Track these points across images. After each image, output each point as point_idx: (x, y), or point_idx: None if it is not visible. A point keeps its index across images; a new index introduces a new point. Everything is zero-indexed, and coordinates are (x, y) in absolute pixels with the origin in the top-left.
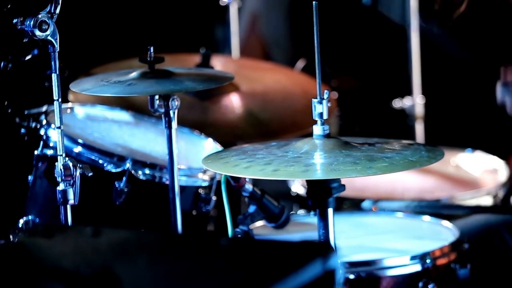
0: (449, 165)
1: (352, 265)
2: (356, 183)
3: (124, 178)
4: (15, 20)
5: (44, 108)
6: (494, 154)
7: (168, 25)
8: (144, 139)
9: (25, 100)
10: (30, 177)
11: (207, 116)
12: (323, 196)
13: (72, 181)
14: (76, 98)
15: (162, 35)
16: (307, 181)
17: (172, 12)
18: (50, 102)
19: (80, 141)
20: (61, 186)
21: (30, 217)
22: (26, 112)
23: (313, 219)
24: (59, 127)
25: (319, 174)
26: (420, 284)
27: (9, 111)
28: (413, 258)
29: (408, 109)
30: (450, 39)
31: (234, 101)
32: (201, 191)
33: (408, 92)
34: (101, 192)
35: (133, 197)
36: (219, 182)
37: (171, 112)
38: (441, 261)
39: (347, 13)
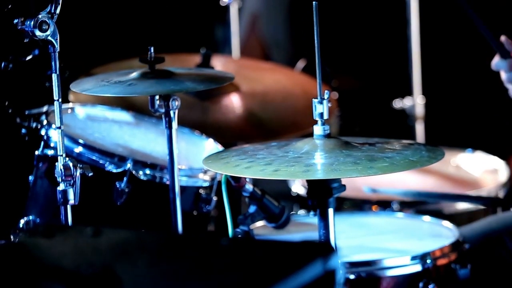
0: (450, 165)
1: (353, 265)
2: (356, 183)
3: (125, 179)
4: (15, 21)
5: (44, 108)
6: (494, 154)
7: (169, 25)
8: (144, 139)
9: (26, 100)
10: (30, 177)
11: (207, 116)
12: (324, 196)
13: (72, 181)
14: (76, 98)
15: (162, 35)
16: (307, 181)
17: (172, 12)
18: (51, 102)
19: (80, 141)
20: (61, 186)
21: (30, 217)
22: (26, 112)
23: (314, 219)
24: (59, 127)
25: (319, 174)
26: (421, 284)
27: (10, 111)
28: (413, 258)
29: (408, 109)
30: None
31: (234, 101)
32: (201, 191)
33: (409, 92)
34: (102, 192)
35: (134, 198)
36: (219, 182)
37: (171, 112)
38: (442, 261)
39: (347, 13)
